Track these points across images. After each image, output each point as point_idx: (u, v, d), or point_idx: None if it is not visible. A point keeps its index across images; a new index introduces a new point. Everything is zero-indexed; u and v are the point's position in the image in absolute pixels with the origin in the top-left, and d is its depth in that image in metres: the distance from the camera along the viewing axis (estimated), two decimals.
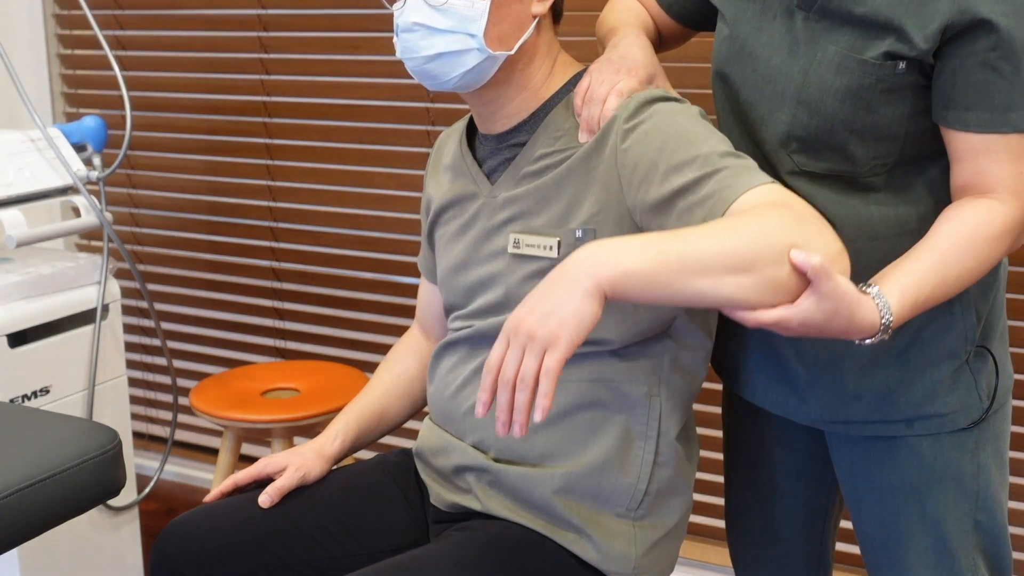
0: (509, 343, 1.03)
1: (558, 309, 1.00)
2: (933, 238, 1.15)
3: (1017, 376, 1.93)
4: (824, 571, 1.52)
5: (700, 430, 2.26)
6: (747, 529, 1.50)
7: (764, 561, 1.50)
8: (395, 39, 1.31)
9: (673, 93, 1.29)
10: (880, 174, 1.21)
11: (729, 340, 1.40)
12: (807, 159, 1.23)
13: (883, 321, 1.09)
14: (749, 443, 1.47)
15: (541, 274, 1.28)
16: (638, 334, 1.28)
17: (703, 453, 2.28)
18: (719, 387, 2.18)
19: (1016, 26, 1.09)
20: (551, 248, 1.28)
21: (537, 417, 1.00)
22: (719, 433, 2.24)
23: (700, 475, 2.31)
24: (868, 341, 1.10)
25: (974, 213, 1.14)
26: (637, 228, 1.23)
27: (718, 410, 2.24)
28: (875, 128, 1.18)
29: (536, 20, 1.30)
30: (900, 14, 1.13)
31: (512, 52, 1.28)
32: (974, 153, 1.15)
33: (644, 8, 1.42)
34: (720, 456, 2.27)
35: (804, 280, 1.04)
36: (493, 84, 1.31)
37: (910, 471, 1.28)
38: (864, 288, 1.11)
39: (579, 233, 1.26)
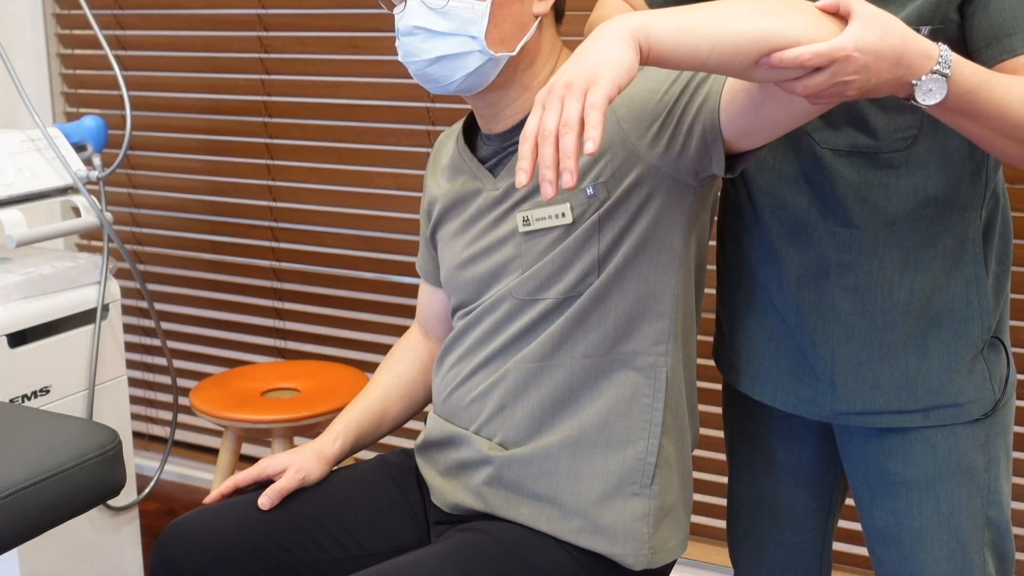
0: (544, 106, 0.97)
1: (593, 60, 0.96)
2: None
3: (1017, 376, 1.93)
4: (824, 571, 1.52)
5: (700, 430, 2.26)
6: (748, 529, 1.50)
7: (764, 561, 1.50)
8: (396, 42, 1.31)
9: None
10: (901, 150, 1.22)
11: (739, 337, 1.40)
12: (828, 135, 1.23)
13: (941, 53, 1.01)
14: (752, 443, 1.47)
15: (558, 242, 1.28)
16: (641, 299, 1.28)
17: (704, 453, 2.28)
18: (719, 387, 2.18)
19: None
20: (563, 215, 1.27)
21: (588, 148, 0.92)
22: (719, 433, 2.24)
23: (700, 475, 2.31)
24: (928, 87, 1.01)
25: None
26: (652, 165, 1.24)
27: (718, 410, 2.23)
28: (895, 97, 1.18)
29: (538, 20, 1.29)
30: None
31: (514, 53, 1.28)
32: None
33: (632, 9, 1.42)
34: (720, 456, 2.27)
35: (840, 20, 0.99)
36: (496, 86, 1.31)
37: (926, 465, 1.29)
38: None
39: (590, 191, 1.26)
